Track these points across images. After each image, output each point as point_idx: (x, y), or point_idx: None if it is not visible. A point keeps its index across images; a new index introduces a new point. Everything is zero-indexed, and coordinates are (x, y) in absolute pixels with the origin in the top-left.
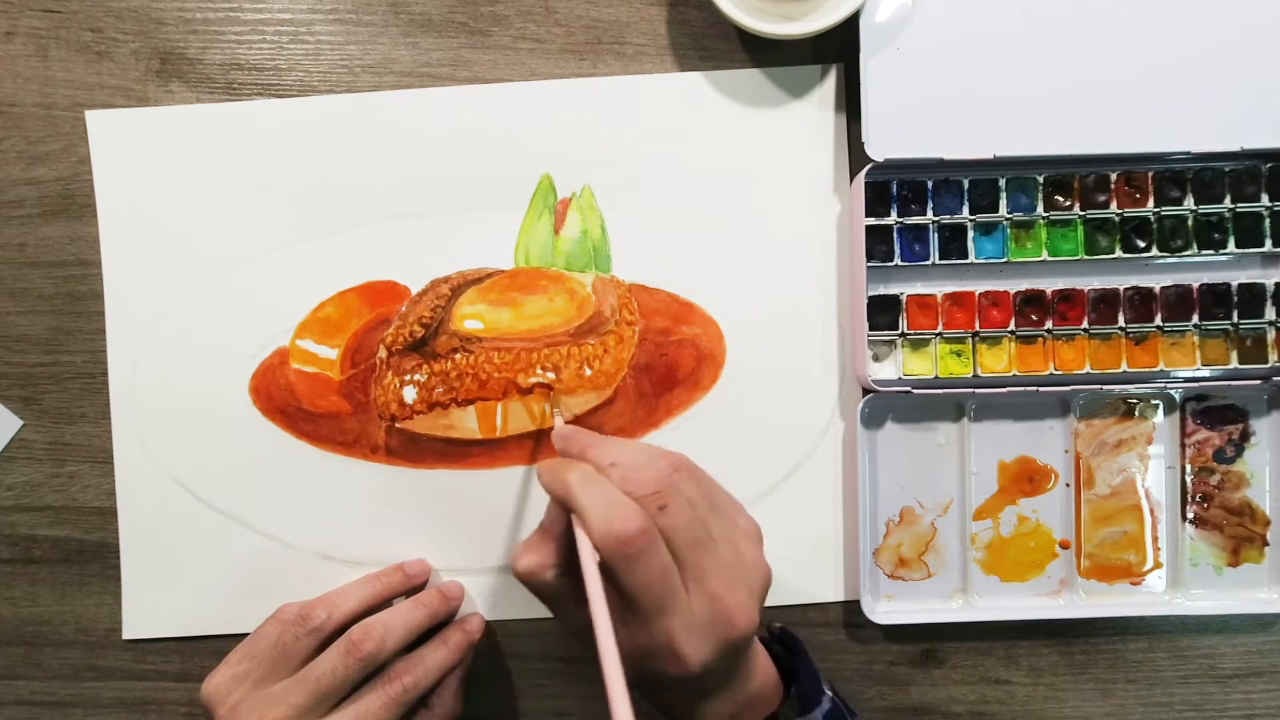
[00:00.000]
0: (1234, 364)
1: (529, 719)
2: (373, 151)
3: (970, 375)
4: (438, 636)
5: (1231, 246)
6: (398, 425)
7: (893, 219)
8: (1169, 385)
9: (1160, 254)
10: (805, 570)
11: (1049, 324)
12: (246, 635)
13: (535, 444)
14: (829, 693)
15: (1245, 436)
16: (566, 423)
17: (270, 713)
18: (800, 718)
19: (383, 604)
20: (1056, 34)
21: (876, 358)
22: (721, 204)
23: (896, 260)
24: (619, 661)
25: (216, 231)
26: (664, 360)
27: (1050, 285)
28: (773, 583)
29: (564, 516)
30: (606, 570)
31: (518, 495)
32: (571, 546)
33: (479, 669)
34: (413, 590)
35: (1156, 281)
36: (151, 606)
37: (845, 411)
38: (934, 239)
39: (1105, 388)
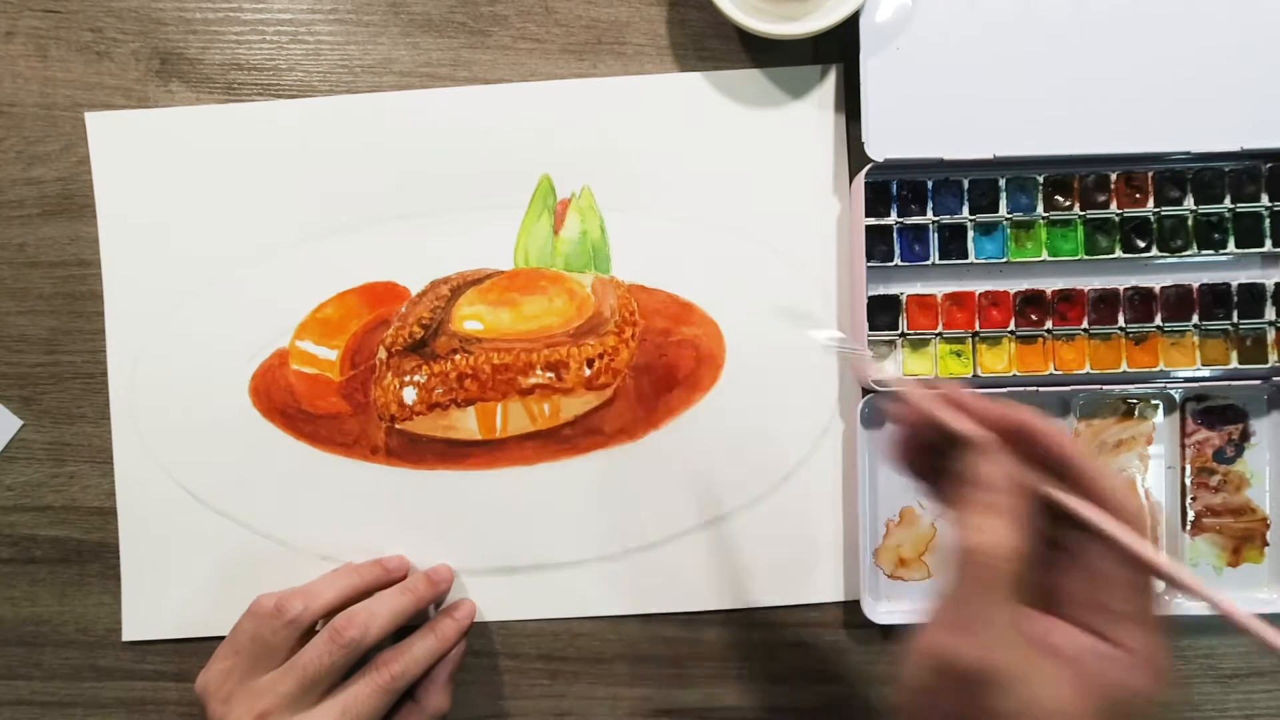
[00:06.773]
0: (1234, 364)
1: (529, 719)
2: (372, 152)
3: (970, 375)
4: (426, 625)
5: (1231, 246)
6: (398, 426)
7: (893, 219)
8: (1169, 385)
9: (1160, 254)
10: (805, 570)
11: (1049, 324)
12: None
13: (535, 444)
14: None
15: (1245, 436)
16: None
17: (260, 703)
18: None
19: (361, 597)
20: (1056, 34)
21: (877, 358)
22: (721, 204)
23: (896, 260)
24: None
25: (216, 232)
26: (664, 361)
27: (1050, 285)
28: (778, 584)
29: (1026, 498)
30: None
31: (517, 496)
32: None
33: (479, 669)
34: (393, 585)
35: (1156, 281)
36: (151, 608)
37: (845, 411)
38: (934, 239)
39: (1105, 388)
